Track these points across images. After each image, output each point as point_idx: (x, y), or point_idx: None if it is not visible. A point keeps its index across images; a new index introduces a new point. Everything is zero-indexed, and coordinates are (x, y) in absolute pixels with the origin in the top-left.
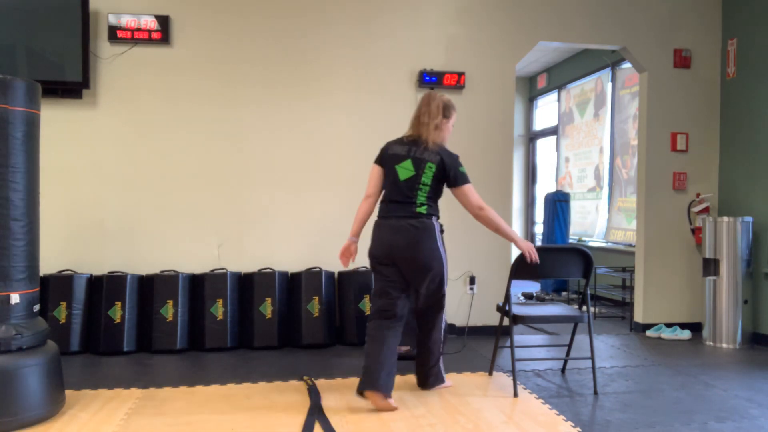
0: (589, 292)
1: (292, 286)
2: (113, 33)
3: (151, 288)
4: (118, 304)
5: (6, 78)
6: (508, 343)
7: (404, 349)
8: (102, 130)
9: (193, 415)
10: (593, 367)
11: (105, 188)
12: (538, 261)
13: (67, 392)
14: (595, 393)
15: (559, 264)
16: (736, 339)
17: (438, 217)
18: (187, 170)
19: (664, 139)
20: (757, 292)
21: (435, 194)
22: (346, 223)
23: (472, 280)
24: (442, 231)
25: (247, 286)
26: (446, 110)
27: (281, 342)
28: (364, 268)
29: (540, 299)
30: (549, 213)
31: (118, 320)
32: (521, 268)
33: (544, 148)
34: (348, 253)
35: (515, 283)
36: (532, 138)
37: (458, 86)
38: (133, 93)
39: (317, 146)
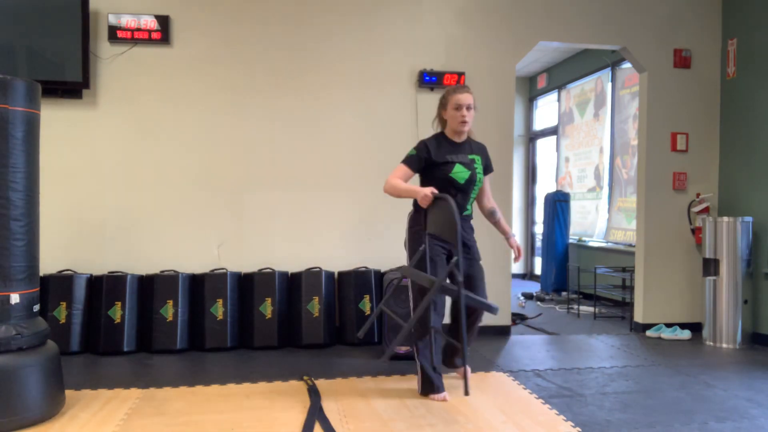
0: (460, 259)
1: (292, 286)
2: (113, 33)
3: (151, 288)
4: (118, 304)
5: (6, 78)
6: (508, 342)
7: (404, 349)
8: (102, 130)
9: (193, 415)
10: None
11: (105, 188)
12: (431, 196)
13: (67, 392)
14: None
15: (439, 219)
16: (736, 339)
17: (416, 207)
18: (187, 170)
19: (664, 139)
20: (757, 292)
21: (422, 183)
22: (346, 223)
23: None
24: (411, 223)
25: (247, 286)
26: (439, 104)
27: (281, 342)
28: (364, 268)
29: (540, 299)
30: (549, 213)
31: (118, 320)
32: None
33: (544, 148)
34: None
35: (515, 282)
36: (532, 138)
37: None
38: (133, 93)
39: (317, 146)
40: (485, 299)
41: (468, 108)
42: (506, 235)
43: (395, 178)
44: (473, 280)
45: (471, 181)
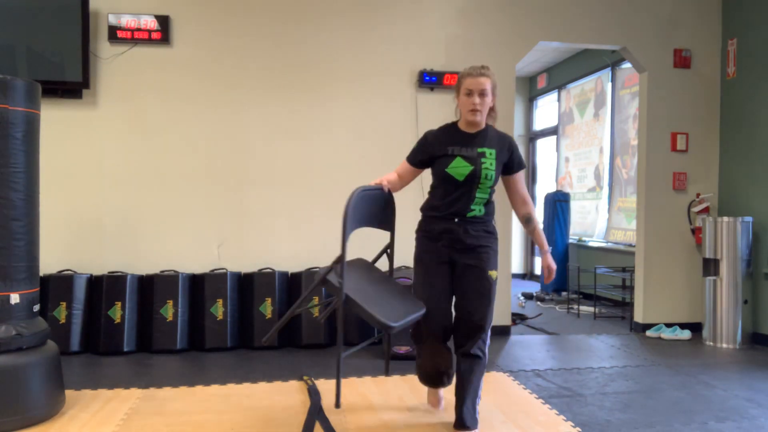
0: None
1: (292, 286)
2: (113, 33)
3: (151, 288)
4: (118, 304)
5: (6, 78)
6: (508, 342)
7: (404, 349)
8: (102, 130)
9: (193, 415)
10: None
11: (105, 188)
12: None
13: (67, 392)
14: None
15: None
16: (736, 339)
17: (422, 212)
18: (187, 169)
19: (664, 139)
20: (757, 292)
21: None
22: None
23: None
24: (419, 228)
25: (247, 286)
26: (455, 88)
27: (281, 342)
28: None
29: (540, 299)
30: (549, 213)
31: (118, 320)
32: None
33: (544, 148)
34: None
35: (515, 282)
36: (532, 138)
37: None
38: (133, 93)
39: (317, 146)
40: (475, 316)
41: (481, 94)
42: (541, 249)
43: (391, 172)
44: (464, 296)
45: (474, 177)
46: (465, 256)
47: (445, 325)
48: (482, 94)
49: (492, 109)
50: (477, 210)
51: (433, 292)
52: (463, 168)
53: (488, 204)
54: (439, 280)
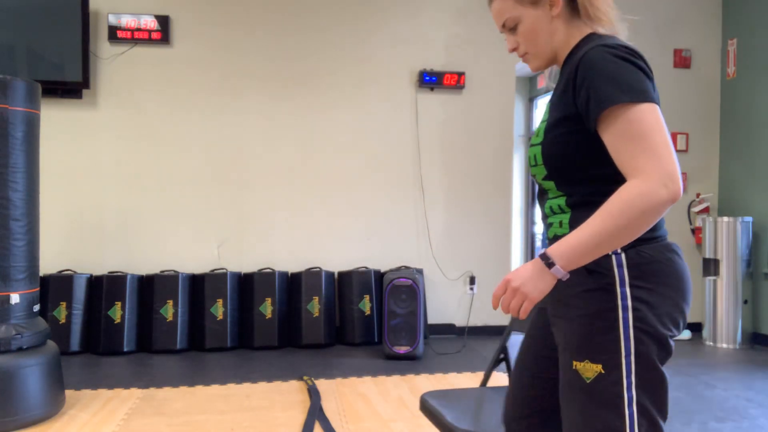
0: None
1: (292, 286)
2: (113, 33)
3: (151, 288)
4: (118, 304)
5: (6, 78)
6: (508, 342)
7: (404, 349)
8: (102, 130)
9: (193, 415)
10: None
11: (105, 188)
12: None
13: (67, 392)
14: None
15: None
16: (736, 339)
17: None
18: (187, 170)
19: None
20: (757, 292)
21: None
22: (346, 223)
23: (472, 280)
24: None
25: (247, 286)
26: None
27: (281, 342)
28: (364, 268)
29: None
30: None
31: (118, 320)
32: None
33: None
34: None
35: None
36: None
37: (458, 86)
38: (133, 93)
39: (317, 146)
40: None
41: (507, 28)
42: None
43: None
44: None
45: (532, 159)
46: (553, 313)
47: (515, 416)
48: (508, 27)
49: (575, 3)
50: (556, 223)
51: (518, 359)
52: (529, 151)
53: (579, 209)
54: (527, 344)
